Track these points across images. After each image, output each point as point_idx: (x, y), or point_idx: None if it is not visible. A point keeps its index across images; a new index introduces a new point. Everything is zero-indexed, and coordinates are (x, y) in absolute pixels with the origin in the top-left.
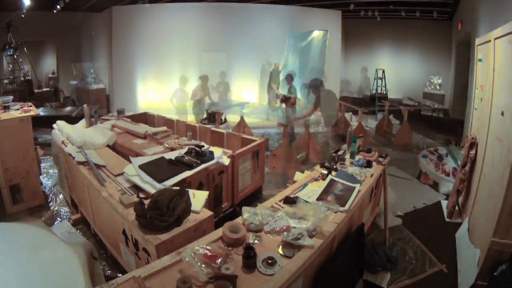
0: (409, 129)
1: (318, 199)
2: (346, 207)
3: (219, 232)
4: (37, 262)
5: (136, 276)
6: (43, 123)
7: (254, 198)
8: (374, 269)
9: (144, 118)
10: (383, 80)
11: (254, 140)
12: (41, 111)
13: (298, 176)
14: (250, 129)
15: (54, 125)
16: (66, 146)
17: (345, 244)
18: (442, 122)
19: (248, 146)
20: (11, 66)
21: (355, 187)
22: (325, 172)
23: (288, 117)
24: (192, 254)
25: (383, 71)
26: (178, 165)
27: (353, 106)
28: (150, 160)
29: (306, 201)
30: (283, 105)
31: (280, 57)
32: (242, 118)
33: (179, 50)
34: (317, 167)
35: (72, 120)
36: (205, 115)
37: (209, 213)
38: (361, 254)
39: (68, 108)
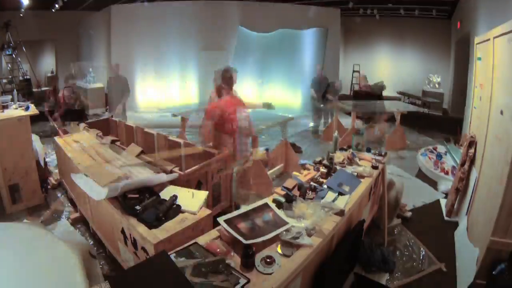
0: (402, 134)
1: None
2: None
3: (216, 231)
4: (36, 261)
5: None
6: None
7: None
8: (369, 269)
9: (107, 124)
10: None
11: (213, 154)
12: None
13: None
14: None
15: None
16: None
17: (344, 242)
18: (441, 120)
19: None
20: (9, 65)
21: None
22: (325, 170)
23: None
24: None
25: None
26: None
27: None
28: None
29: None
30: None
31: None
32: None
33: (178, 49)
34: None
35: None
36: None
37: (207, 211)
38: (357, 248)
39: None
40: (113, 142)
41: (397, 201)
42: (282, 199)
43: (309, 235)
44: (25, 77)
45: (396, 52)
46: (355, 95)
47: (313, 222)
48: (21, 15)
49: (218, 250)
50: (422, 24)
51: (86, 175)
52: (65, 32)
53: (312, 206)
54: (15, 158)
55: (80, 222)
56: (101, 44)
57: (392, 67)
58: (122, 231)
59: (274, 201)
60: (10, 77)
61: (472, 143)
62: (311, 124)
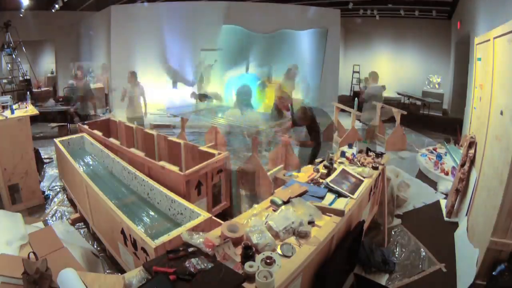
0: (402, 134)
1: (332, 181)
2: (355, 195)
3: (217, 231)
4: None
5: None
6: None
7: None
8: (369, 270)
9: (107, 125)
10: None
11: (213, 155)
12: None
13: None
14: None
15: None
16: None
17: (345, 242)
18: (441, 121)
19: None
20: (9, 65)
21: (363, 180)
22: (325, 171)
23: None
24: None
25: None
26: None
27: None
28: None
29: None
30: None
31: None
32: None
33: (178, 49)
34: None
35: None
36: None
37: (208, 215)
38: (357, 249)
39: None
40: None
41: (392, 196)
42: (279, 201)
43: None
44: (25, 77)
45: (396, 53)
46: (354, 96)
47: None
48: (21, 15)
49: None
50: (422, 24)
51: None
52: (65, 32)
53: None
54: (15, 158)
55: (80, 222)
56: (101, 44)
57: (392, 67)
58: (122, 232)
59: (272, 202)
60: (10, 77)
61: (472, 144)
62: None
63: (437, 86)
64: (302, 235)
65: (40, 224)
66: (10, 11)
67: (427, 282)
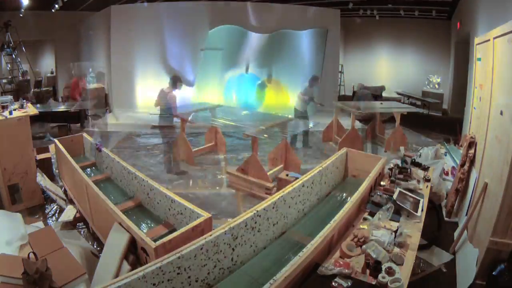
0: (402, 135)
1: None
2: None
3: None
4: None
5: None
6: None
7: None
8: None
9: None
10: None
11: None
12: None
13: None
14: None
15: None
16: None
17: None
18: (441, 121)
19: None
20: (9, 65)
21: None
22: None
23: None
24: None
25: (342, 66)
26: None
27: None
28: None
29: None
30: None
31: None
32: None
33: (177, 49)
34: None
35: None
36: None
37: (208, 215)
38: None
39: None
40: None
41: None
42: None
43: None
44: (24, 77)
45: (396, 53)
46: (354, 96)
47: None
48: (21, 15)
49: None
50: (422, 24)
51: None
52: (65, 32)
53: None
54: (15, 158)
55: (80, 222)
56: (101, 44)
57: (392, 67)
58: None
59: None
60: (10, 77)
61: (472, 144)
62: (311, 125)
63: (437, 86)
64: (402, 245)
65: (40, 224)
66: (10, 11)
67: (427, 282)
